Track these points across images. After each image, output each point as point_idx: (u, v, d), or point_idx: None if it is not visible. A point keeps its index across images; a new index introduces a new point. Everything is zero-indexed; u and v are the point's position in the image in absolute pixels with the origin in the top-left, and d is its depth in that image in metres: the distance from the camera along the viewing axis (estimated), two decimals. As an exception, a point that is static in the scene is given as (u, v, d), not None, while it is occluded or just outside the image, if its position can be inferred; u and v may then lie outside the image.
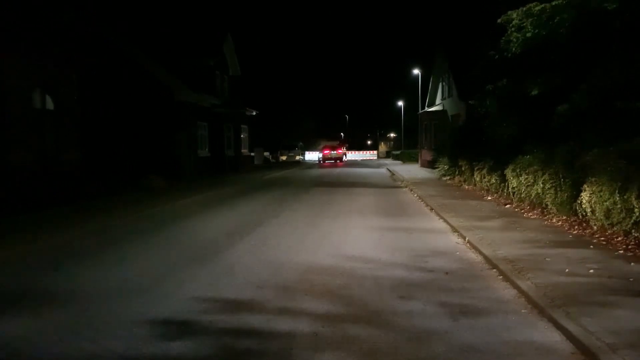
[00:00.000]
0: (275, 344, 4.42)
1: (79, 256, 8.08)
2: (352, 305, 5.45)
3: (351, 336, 4.58)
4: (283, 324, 4.86)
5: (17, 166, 13.20)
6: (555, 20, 12.09)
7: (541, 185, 10.38)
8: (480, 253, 7.64)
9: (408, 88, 50.81)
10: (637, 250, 7.11)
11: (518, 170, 11.67)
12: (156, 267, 7.20)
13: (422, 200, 14.75)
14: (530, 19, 12.98)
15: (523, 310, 5.23)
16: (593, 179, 8.25)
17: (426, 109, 36.89)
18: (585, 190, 8.47)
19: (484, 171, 14.84)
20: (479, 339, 4.48)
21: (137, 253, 8.26)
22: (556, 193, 9.85)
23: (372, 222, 11.02)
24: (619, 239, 7.70)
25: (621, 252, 7.17)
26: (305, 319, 5.00)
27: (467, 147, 17.30)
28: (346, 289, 6.02)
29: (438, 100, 34.61)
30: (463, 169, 17.78)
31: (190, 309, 5.35)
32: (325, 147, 50.69)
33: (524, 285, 5.76)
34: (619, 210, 7.50)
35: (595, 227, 8.43)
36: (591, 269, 6.33)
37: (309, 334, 4.63)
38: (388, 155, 64.08)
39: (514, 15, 13.57)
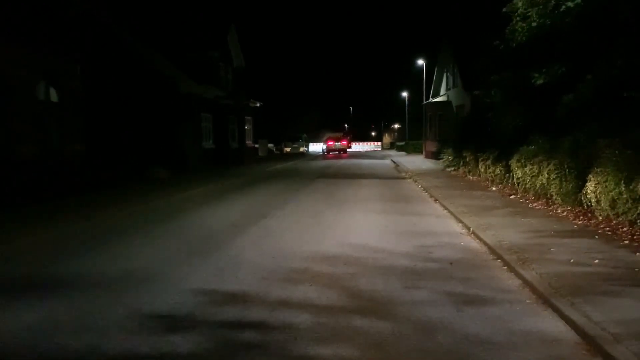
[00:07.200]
0: (278, 335, 4.42)
1: (83, 247, 8.11)
2: (357, 295, 5.46)
3: (355, 327, 4.58)
4: (287, 315, 4.87)
5: (21, 158, 13.25)
6: (561, 9, 11.97)
7: (546, 175, 10.34)
8: (485, 243, 7.63)
9: (412, 79, 50.48)
10: (642, 241, 7.08)
11: (523, 161, 11.62)
12: (160, 259, 7.22)
13: (426, 191, 14.73)
14: (535, 8, 12.88)
15: (528, 301, 5.22)
16: (598, 169, 8.21)
17: (431, 99, 36.74)
18: (590, 181, 8.43)
19: (489, 162, 14.80)
20: (483, 329, 4.48)
21: (142, 244, 8.29)
22: (561, 183, 9.80)
23: (377, 213, 11.01)
24: (625, 229, 7.67)
25: (626, 242, 7.14)
26: (309, 309, 5.01)
27: (472, 138, 17.24)
28: (351, 279, 6.02)
29: (443, 91, 34.47)
30: (467, 159, 17.73)
31: (194, 300, 5.37)
32: (329, 139, 50.43)
33: (528, 275, 5.75)
34: (624, 201, 7.46)
35: (600, 218, 8.39)
36: (596, 259, 6.32)
37: (312, 325, 4.64)
38: (392, 146, 63.95)
39: (519, 4, 13.47)
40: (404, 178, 20.46)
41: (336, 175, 22.21)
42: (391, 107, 70.53)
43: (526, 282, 5.66)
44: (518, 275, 5.95)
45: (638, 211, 7.23)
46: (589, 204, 8.70)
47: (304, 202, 13.04)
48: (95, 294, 5.64)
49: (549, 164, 10.28)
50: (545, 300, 5.07)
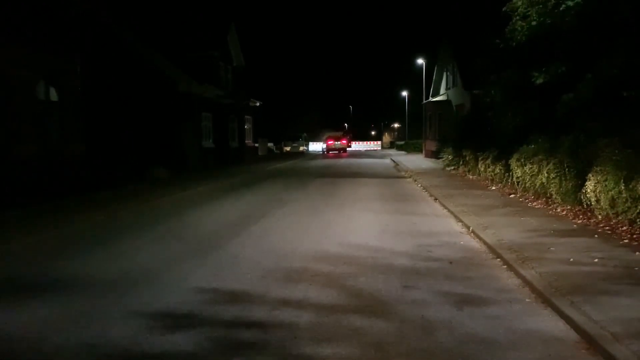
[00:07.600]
0: (278, 334, 4.43)
1: (83, 247, 8.12)
2: (356, 295, 5.46)
3: (355, 326, 4.58)
4: (286, 315, 4.88)
5: (21, 158, 13.24)
6: (561, 8, 11.97)
7: (546, 174, 10.34)
8: (484, 242, 7.63)
9: (412, 78, 50.43)
10: (642, 240, 7.08)
11: (522, 160, 11.63)
12: (160, 258, 7.23)
13: (426, 190, 14.74)
14: (535, 7, 12.88)
15: (527, 300, 5.23)
16: (598, 168, 8.21)
17: (430, 99, 36.73)
18: (590, 180, 8.43)
19: (488, 161, 14.80)
20: (483, 328, 4.48)
21: (142, 244, 8.29)
22: (561, 182, 9.81)
23: (376, 212, 11.01)
24: (624, 228, 7.68)
25: (626, 241, 7.15)
26: (309, 309, 5.01)
27: (472, 137, 17.25)
28: (350, 278, 6.03)
29: (442, 90, 34.45)
30: (467, 159, 17.73)
31: (194, 299, 5.37)
32: (329, 138, 50.37)
33: (528, 274, 5.75)
34: (624, 200, 7.47)
35: (600, 217, 8.40)
36: (596, 258, 6.32)
37: (312, 324, 4.64)
38: (392, 145, 63.97)
39: (519, 3, 13.47)
40: (403, 177, 20.46)
41: (336, 174, 22.21)
42: (391, 107, 70.53)
43: (526, 281, 5.66)
44: (518, 275, 5.96)
45: (637, 210, 7.24)
46: (589, 203, 8.70)
47: (304, 201, 13.05)
48: (95, 293, 5.65)
49: (548, 163, 10.28)
50: (544, 300, 5.08)
